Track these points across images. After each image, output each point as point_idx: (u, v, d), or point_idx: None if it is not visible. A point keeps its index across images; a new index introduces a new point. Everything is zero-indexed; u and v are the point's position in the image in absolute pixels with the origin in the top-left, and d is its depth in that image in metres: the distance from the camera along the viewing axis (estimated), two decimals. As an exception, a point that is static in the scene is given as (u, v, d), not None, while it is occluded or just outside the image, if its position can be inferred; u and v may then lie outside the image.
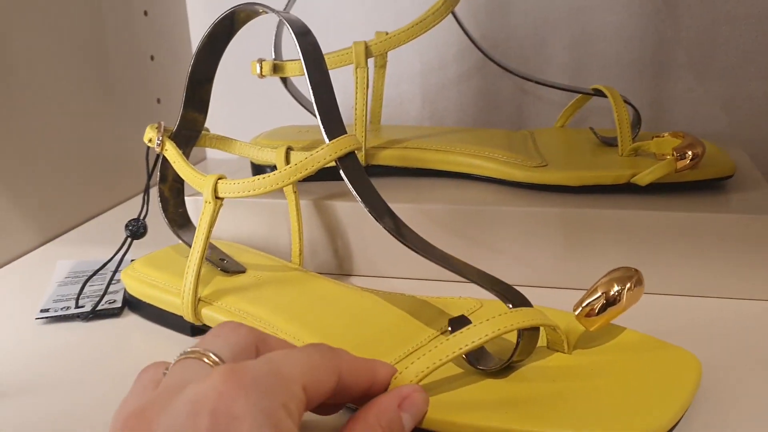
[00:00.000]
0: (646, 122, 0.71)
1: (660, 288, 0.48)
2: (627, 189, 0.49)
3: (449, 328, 0.38)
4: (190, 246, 0.45)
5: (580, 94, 0.59)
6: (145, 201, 0.51)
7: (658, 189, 0.49)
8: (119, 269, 0.50)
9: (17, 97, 0.59)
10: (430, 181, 0.55)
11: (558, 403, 0.32)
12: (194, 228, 0.52)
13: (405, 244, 0.37)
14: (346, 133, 0.41)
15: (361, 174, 0.41)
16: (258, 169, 0.58)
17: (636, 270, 0.37)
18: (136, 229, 0.50)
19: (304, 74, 0.52)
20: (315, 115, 0.41)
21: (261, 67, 0.55)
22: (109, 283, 0.50)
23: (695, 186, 0.49)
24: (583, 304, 0.36)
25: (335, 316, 0.41)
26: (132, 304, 0.50)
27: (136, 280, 0.48)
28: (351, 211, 0.52)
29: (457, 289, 0.48)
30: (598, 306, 0.35)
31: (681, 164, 0.47)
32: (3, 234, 0.59)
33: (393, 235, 0.38)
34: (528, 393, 0.33)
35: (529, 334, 0.34)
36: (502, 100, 0.75)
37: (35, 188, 0.62)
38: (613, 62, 0.71)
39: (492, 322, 0.33)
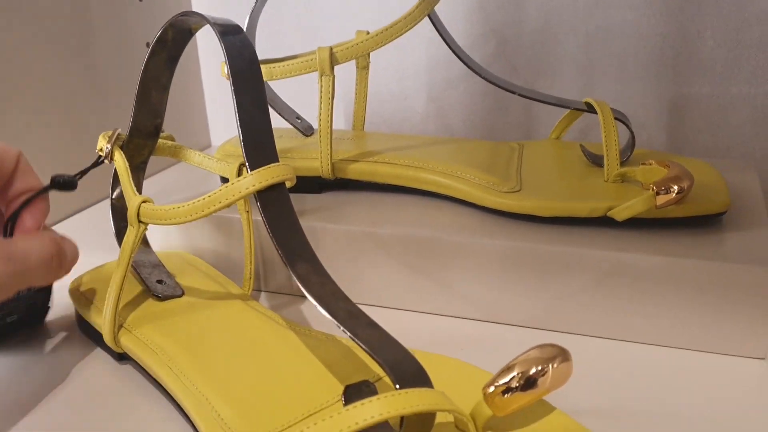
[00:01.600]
0: (663, 128, 0.65)
1: (624, 335, 0.44)
2: (604, 221, 0.44)
3: (343, 398, 0.34)
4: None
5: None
6: None
7: (640, 224, 0.44)
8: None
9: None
10: (399, 199, 0.51)
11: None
12: (148, 246, 0.50)
13: (307, 295, 0.34)
14: (274, 160, 0.38)
15: (285, 210, 0.38)
16: (226, 178, 0.55)
17: (562, 349, 0.32)
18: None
19: (271, 78, 0.50)
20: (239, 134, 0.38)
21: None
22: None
23: (682, 222, 0.44)
24: (496, 384, 0.31)
25: (246, 361, 0.38)
26: (80, 320, 0.48)
27: (79, 296, 0.47)
28: (308, 231, 0.49)
29: (413, 321, 0.45)
30: (511, 388, 0.31)
31: (662, 200, 0.42)
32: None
33: (299, 284, 0.34)
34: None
35: (417, 418, 0.30)
36: (510, 98, 0.69)
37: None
38: (631, 62, 0.65)
39: (368, 407, 0.29)
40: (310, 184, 0.52)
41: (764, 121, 0.63)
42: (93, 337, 0.46)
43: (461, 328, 0.46)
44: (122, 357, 0.43)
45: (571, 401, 0.35)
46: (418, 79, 0.72)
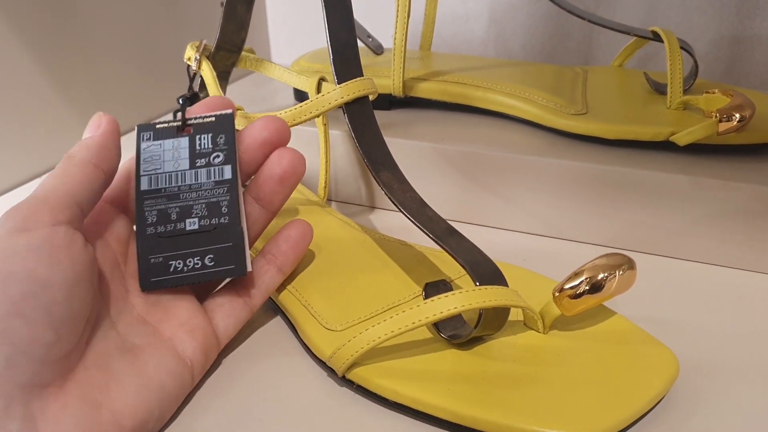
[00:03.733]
0: (720, 60, 0.66)
1: (679, 253, 0.46)
2: (666, 146, 0.46)
3: (423, 293, 0.38)
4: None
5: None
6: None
7: (700, 149, 0.46)
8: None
9: (78, 4, 0.61)
10: (466, 118, 0.53)
11: (508, 386, 0.32)
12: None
13: (391, 200, 0.37)
14: (360, 75, 0.41)
15: (369, 121, 0.40)
16: (299, 92, 0.58)
17: (628, 258, 0.35)
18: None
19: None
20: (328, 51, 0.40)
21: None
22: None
23: (741, 149, 0.46)
24: (565, 287, 0.34)
25: (330, 261, 0.42)
26: None
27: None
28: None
29: (479, 234, 0.48)
30: (578, 292, 0.34)
31: (724, 127, 0.44)
32: (64, 135, 0.61)
33: (383, 190, 0.38)
34: (483, 370, 0.33)
35: (493, 312, 0.33)
36: (571, 24, 0.71)
37: (93, 92, 0.64)
38: (694, -6, 0.65)
39: (451, 299, 0.32)
40: (380, 102, 0.55)
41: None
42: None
43: (523, 241, 0.49)
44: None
45: (629, 310, 0.39)
46: (480, 2, 0.73)
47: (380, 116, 0.54)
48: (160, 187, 0.35)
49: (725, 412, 0.34)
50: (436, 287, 0.38)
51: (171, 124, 0.36)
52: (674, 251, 0.46)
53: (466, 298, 0.33)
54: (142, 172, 0.35)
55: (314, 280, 0.40)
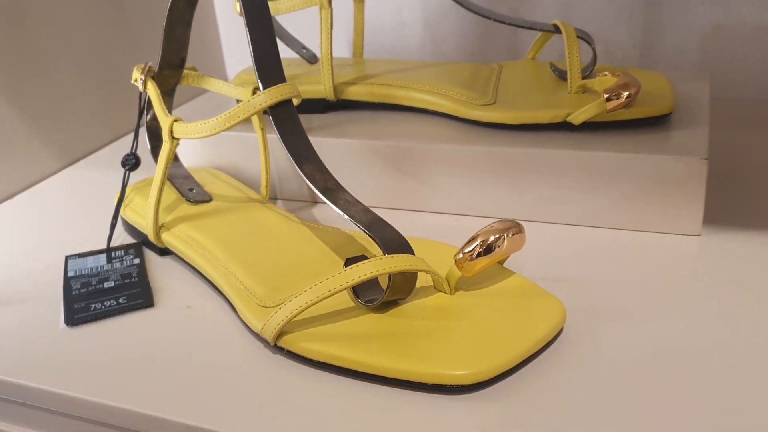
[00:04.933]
0: (636, 47, 0.72)
1: (581, 220, 0.51)
2: (566, 127, 0.52)
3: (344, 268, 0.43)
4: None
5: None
6: (136, 136, 0.57)
7: (596, 127, 0.51)
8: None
9: (34, 26, 0.66)
10: (393, 116, 0.59)
11: (416, 339, 0.37)
12: (179, 161, 0.58)
13: (314, 190, 0.42)
14: (282, 81, 0.46)
15: (293, 122, 0.45)
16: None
17: (517, 223, 0.40)
18: (133, 163, 0.55)
19: (277, 12, 0.57)
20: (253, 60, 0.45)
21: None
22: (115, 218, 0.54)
23: (634, 124, 0.51)
24: (463, 252, 0.39)
25: (266, 248, 0.47)
26: (127, 225, 0.56)
27: (125, 206, 0.55)
28: (316, 145, 0.57)
29: (408, 217, 0.53)
30: (474, 254, 0.39)
31: (611, 104, 0.49)
32: (27, 157, 0.66)
33: (306, 180, 0.43)
34: (395, 328, 0.38)
35: (401, 277, 0.39)
36: (498, 26, 0.76)
37: (57, 113, 0.69)
38: (605, -13, 0.71)
39: (361, 268, 0.37)
40: (316, 106, 0.60)
41: (726, 39, 0.69)
42: (138, 239, 0.54)
43: (445, 221, 0.54)
44: (164, 252, 0.52)
45: (532, 272, 0.44)
46: (414, 9, 0.78)
47: (316, 119, 0.60)
48: (83, 273, 0.49)
49: (610, 350, 0.39)
50: (356, 261, 0.43)
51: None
52: (574, 219, 0.51)
53: (375, 265, 0.38)
54: (69, 267, 0.50)
55: (250, 263, 0.45)
